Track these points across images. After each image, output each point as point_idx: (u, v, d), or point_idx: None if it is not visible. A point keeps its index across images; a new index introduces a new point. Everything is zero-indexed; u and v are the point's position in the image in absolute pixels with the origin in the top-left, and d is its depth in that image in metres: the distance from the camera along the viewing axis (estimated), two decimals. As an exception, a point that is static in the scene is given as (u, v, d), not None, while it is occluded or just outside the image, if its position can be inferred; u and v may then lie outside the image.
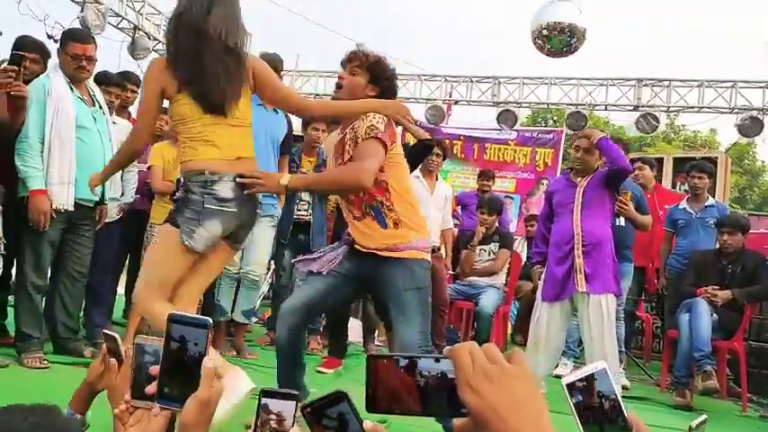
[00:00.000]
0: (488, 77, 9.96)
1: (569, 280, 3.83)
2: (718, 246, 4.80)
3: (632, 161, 5.57)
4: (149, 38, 8.64)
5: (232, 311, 4.35)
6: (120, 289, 4.76)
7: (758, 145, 21.72)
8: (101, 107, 3.63)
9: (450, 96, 10.12)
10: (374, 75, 2.60)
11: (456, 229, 5.80)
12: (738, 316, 4.50)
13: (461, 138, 10.13)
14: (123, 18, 8.28)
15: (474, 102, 10.03)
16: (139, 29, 8.48)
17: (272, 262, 5.07)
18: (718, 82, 8.98)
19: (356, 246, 2.54)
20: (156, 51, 9.02)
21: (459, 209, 6.23)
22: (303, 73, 10.42)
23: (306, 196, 4.90)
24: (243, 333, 4.47)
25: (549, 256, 4.01)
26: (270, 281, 6.40)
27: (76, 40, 3.49)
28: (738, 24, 38.92)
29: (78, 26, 7.07)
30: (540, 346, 3.90)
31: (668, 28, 40.05)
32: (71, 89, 3.43)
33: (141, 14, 8.55)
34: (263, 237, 4.35)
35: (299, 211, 4.89)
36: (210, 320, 0.93)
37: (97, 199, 3.49)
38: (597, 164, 3.93)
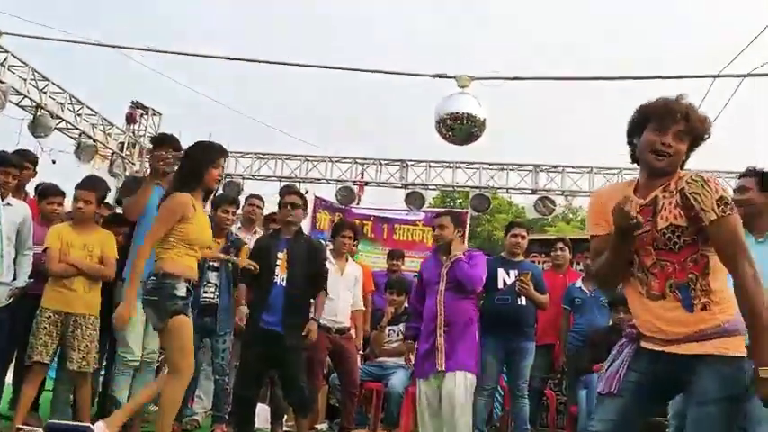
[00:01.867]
0: (396, 160, 10.33)
1: (433, 357, 3.94)
2: (611, 323, 5.07)
3: (555, 241, 6.20)
4: (52, 116, 8.43)
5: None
6: (8, 378, 4.44)
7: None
8: None
9: (362, 177, 10.38)
10: (695, 139, 2.17)
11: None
12: (632, 390, 4.72)
13: (371, 218, 10.33)
14: (25, 96, 8.07)
15: (383, 183, 10.33)
16: (42, 107, 8.27)
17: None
18: (606, 169, 9.73)
19: (644, 342, 2.13)
20: (59, 130, 8.81)
21: None
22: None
23: (213, 278, 4.83)
24: (139, 423, 4.23)
25: (421, 333, 4.16)
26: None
27: None
28: (626, 118, 42.59)
29: (-24, 104, 6.85)
30: (426, 422, 3.95)
31: (561, 118, 43.30)
32: None
33: (45, 93, 8.37)
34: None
35: (206, 293, 4.79)
36: (92, 426, 0.92)
37: None
38: (451, 236, 4.12)
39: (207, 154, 3.61)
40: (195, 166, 3.57)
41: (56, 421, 0.81)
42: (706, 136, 2.19)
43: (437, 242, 4.32)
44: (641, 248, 2.15)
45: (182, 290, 3.39)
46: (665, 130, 2.12)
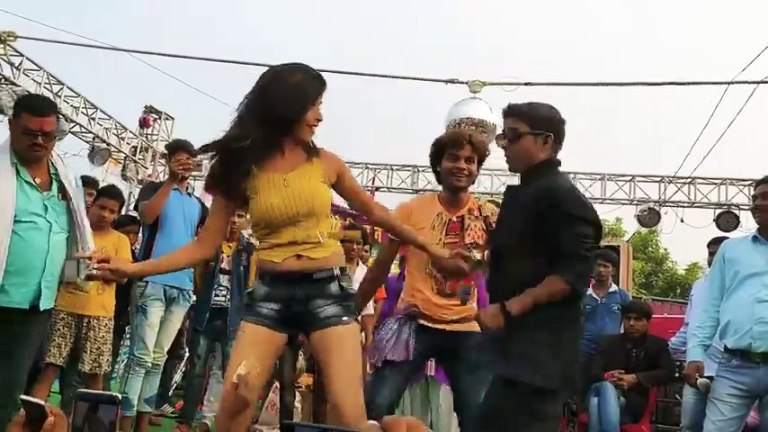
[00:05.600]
0: (408, 166, 10.33)
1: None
2: (623, 330, 5.04)
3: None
4: (66, 120, 8.50)
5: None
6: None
7: (660, 233, 23.17)
8: (60, 190, 2.99)
9: (373, 183, 10.39)
10: (481, 159, 3.09)
11: None
12: (645, 399, 4.68)
13: (382, 223, 10.32)
14: (41, 99, 8.15)
15: (394, 189, 10.33)
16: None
17: (187, 349, 4.91)
18: (618, 176, 9.69)
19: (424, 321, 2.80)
20: (72, 134, 8.89)
21: None
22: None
23: (225, 281, 4.84)
24: (146, 423, 4.25)
25: None
26: (183, 369, 6.16)
27: (32, 111, 2.84)
28: (639, 125, 42.57)
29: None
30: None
31: (572, 125, 43.14)
32: (17, 172, 2.82)
33: (59, 96, 8.44)
34: (177, 324, 4.26)
35: (218, 296, 4.80)
36: (119, 396, 0.93)
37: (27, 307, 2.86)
38: None
39: None
40: None
41: (87, 390, 0.82)
42: (487, 154, 2.95)
43: None
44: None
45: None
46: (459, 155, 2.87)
